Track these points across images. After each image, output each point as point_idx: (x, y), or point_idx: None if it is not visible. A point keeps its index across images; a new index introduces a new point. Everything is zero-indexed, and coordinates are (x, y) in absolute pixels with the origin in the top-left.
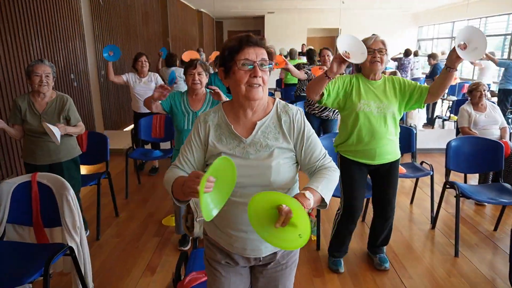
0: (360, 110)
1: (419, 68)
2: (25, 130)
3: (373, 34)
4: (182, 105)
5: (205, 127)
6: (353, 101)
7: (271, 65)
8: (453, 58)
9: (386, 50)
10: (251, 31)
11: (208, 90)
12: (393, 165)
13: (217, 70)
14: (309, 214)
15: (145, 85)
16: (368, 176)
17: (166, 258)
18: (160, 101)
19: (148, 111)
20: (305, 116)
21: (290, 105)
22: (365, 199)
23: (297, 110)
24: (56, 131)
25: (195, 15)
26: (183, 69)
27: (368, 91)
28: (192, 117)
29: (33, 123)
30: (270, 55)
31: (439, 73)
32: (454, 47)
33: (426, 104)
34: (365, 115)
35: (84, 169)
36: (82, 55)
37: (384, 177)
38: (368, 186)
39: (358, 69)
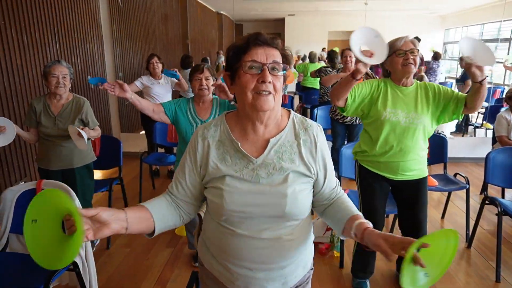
0: (385, 118)
1: (443, 72)
2: (39, 133)
3: (417, 37)
4: (188, 113)
5: (204, 145)
6: (378, 109)
7: (285, 71)
8: (472, 71)
9: (418, 50)
10: (271, 34)
11: (215, 96)
12: (421, 183)
13: None
14: (332, 229)
15: (163, 87)
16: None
17: (178, 272)
18: (163, 105)
19: None
20: (324, 134)
21: (308, 120)
22: (392, 215)
23: (317, 127)
24: (85, 135)
25: (215, 18)
26: None
27: (396, 99)
28: None
29: (47, 125)
30: (286, 58)
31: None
32: (470, 64)
33: None
34: (391, 125)
35: (96, 174)
36: (100, 57)
37: (411, 198)
38: (391, 202)
39: (387, 73)
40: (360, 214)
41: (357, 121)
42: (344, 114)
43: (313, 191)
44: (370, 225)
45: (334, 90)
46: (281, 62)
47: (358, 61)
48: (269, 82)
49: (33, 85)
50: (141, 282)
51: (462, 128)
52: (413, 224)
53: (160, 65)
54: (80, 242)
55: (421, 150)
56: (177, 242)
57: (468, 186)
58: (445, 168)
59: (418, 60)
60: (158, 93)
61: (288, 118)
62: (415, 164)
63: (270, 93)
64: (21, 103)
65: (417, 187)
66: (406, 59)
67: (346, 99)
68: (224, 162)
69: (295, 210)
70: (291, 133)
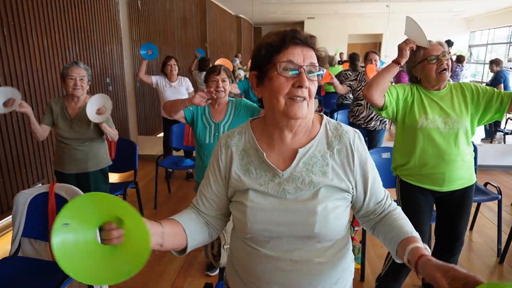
0: (422, 126)
1: (468, 76)
2: (56, 135)
3: (450, 40)
4: (203, 116)
5: (227, 154)
6: (414, 116)
7: (321, 72)
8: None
9: (448, 52)
10: None
11: (231, 99)
12: (467, 191)
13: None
14: (352, 238)
15: (176, 90)
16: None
17: (191, 281)
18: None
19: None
20: (363, 141)
21: (344, 125)
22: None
23: (354, 134)
24: (108, 112)
25: (234, 21)
26: None
27: (432, 104)
28: (214, 129)
29: (64, 127)
30: (321, 60)
31: (502, 82)
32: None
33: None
34: (429, 133)
35: (112, 177)
36: (119, 59)
37: (454, 206)
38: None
39: (416, 80)
40: (417, 235)
41: (380, 126)
42: (383, 114)
43: (356, 207)
44: (427, 251)
45: (374, 80)
46: (317, 64)
47: (404, 46)
48: (306, 87)
49: (52, 87)
50: None
51: (492, 134)
52: (452, 233)
53: (177, 68)
54: (147, 253)
55: (466, 155)
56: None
57: (500, 197)
58: None
59: (450, 63)
60: (169, 96)
61: (320, 124)
62: (463, 172)
63: (304, 99)
64: (40, 105)
65: (464, 196)
66: (441, 65)
67: (384, 97)
68: (248, 174)
69: (326, 230)
70: (323, 142)
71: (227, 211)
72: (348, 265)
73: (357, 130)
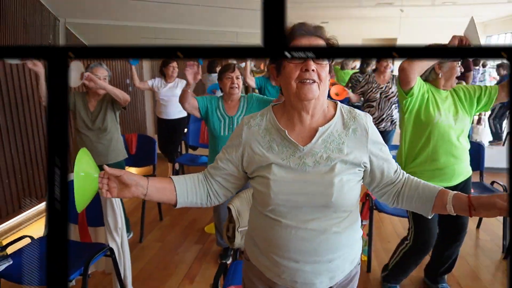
0: (438, 122)
1: (484, 80)
2: (78, 129)
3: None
4: (217, 110)
5: (249, 132)
6: (430, 111)
7: (331, 59)
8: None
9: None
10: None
11: (242, 94)
12: (467, 183)
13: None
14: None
15: (170, 90)
16: None
17: (206, 267)
18: (197, 100)
19: (171, 117)
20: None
21: (356, 110)
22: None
23: (365, 115)
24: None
25: None
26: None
27: (442, 102)
28: (228, 122)
29: (85, 120)
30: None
31: None
32: None
33: (493, 120)
34: (445, 128)
35: (132, 172)
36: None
37: None
38: None
39: (434, 76)
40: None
41: (390, 127)
42: (404, 101)
43: (373, 181)
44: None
45: (417, 63)
46: None
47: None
48: (313, 70)
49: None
50: (171, 275)
51: (501, 137)
52: (456, 223)
53: (177, 70)
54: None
55: (467, 149)
56: (206, 240)
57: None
58: (481, 176)
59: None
60: (164, 96)
61: (335, 108)
62: (467, 166)
63: (314, 81)
64: None
65: (465, 188)
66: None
67: (416, 80)
68: (271, 150)
69: (342, 200)
70: (339, 123)
71: (234, 184)
72: (358, 240)
73: (367, 113)
